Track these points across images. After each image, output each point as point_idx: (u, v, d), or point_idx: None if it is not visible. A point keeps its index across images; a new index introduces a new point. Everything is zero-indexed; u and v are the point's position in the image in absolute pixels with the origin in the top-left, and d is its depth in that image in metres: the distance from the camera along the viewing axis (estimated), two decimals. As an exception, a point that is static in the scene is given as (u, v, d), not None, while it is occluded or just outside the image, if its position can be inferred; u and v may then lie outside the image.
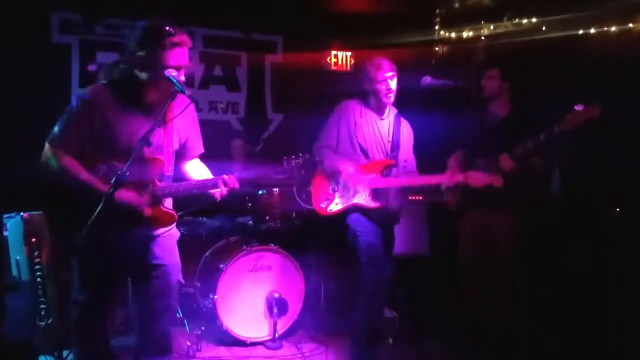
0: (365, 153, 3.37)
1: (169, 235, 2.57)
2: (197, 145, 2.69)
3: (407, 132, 3.48)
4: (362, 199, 3.27)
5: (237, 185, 2.48)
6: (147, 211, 2.38)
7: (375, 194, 3.27)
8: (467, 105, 3.80)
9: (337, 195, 3.38)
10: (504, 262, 3.54)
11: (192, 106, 2.53)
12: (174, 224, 2.60)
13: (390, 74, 3.29)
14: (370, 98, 3.42)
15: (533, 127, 3.20)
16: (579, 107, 2.98)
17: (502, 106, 3.63)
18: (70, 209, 2.29)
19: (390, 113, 3.46)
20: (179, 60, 2.33)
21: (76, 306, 2.47)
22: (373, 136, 3.38)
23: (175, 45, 2.30)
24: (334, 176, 3.36)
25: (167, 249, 2.54)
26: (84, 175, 2.30)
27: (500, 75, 3.58)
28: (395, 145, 3.38)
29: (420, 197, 4.35)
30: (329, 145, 3.38)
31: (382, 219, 3.34)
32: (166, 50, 2.29)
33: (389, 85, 3.30)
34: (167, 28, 2.30)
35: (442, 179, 3.14)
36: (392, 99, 3.34)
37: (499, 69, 3.60)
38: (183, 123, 2.54)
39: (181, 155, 2.63)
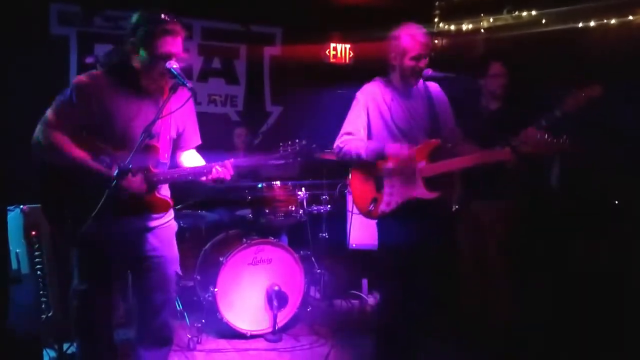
0: (407, 135, 2.88)
1: (167, 227, 2.56)
2: (194, 136, 2.67)
3: (441, 97, 3.00)
4: (417, 191, 2.79)
5: (230, 174, 2.41)
6: (139, 188, 2.33)
7: (430, 182, 2.79)
8: (465, 97, 3.80)
9: (385, 193, 2.86)
10: (496, 253, 3.56)
11: (190, 96, 2.49)
12: (171, 212, 2.58)
13: (428, 50, 2.83)
14: (393, 75, 2.95)
15: (526, 120, 3.21)
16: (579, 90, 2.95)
17: (493, 100, 3.65)
18: (67, 200, 2.29)
19: (418, 85, 2.98)
20: (170, 47, 2.30)
21: (76, 298, 2.47)
22: (410, 118, 2.90)
23: (167, 32, 2.28)
24: (377, 170, 2.87)
25: (164, 241, 2.54)
26: (76, 152, 2.29)
27: (505, 72, 3.58)
28: (436, 118, 2.91)
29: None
30: (356, 138, 2.90)
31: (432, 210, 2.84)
32: (158, 37, 2.27)
33: (420, 64, 2.83)
34: (162, 16, 2.29)
35: (507, 154, 2.71)
36: (418, 78, 2.88)
37: (502, 65, 3.58)
38: (180, 113, 2.51)
39: (178, 145, 2.62)
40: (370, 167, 2.91)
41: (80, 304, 2.47)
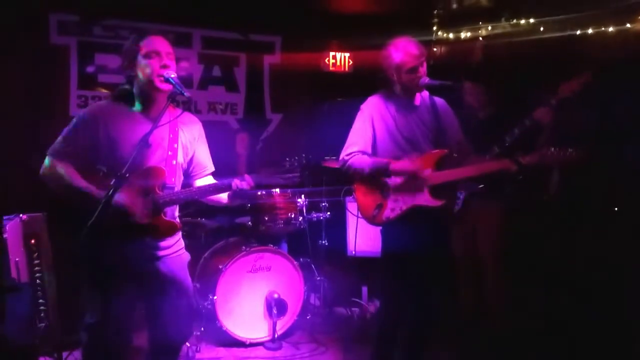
0: (413, 145, 2.92)
1: (178, 257, 2.52)
2: (206, 162, 2.66)
3: (448, 111, 3.05)
4: (422, 198, 2.84)
5: (250, 184, 2.44)
6: (144, 219, 2.33)
7: (435, 190, 2.85)
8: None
9: (390, 199, 2.89)
10: (488, 258, 3.58)
11: (199, 124, 2.58)
12: (181, 242, 2.56)
13: (422, 59, 2.86)
14: (395, 87, 2.96)
15: (515, 121, 3.27)
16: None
17: (482, 108, 3.72)
18: (71, 215, 2.29)
19: (423, 95, 3.02)
20: (156, 45, 2.33)
21: (86, 331, 2.39)
22: (415, 128, 2.94)
23: (148, 33, 2.34)
24: (383, 182, 2.90)
25: (175, 270, 2.48)
26: (82, 183, 2.29)
27: (477, 88, 3.70)
28: (442, 131, 2.95)
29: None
30: (362, 152, 2.91)
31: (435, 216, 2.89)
32: (142, 40, 2.34)
33: (419, 73, 2.85)
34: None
35: (511, 164, 2.79)
36: (420, 87, 2.91)
37: (473, 82, 3.71)
38: (189, 138, 2.54)
39: (190, 173, 2.62)
40: (375, 179, 2.93)
41: (91, 335, 2.39)
